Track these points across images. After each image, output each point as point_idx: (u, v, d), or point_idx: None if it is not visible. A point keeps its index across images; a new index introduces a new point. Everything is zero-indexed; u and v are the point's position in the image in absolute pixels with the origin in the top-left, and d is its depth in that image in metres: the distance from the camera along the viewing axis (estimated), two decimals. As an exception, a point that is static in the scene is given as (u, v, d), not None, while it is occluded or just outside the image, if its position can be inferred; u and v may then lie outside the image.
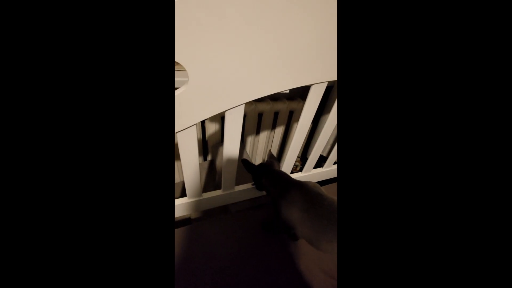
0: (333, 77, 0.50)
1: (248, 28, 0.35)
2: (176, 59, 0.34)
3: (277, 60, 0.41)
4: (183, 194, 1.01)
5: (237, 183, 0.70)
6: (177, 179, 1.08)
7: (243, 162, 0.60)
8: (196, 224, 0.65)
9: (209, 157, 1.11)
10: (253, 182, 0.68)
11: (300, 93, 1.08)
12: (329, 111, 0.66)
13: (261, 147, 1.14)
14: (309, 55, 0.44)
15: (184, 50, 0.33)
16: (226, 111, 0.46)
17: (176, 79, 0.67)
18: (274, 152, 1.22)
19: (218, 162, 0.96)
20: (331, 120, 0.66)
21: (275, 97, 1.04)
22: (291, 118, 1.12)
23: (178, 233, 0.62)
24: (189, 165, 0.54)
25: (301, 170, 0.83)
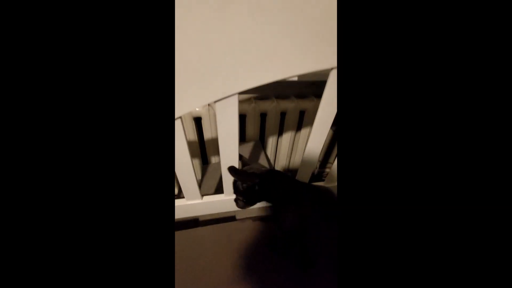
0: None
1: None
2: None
3: (283, 34, 0.31)
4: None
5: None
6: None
7: (231, 171, 0.47)
8: (198, 229, 0.60)
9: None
10: (237, 197, 0.51)
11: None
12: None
13: (284, 150, 1.03)
14: (326, 27, 0.32)
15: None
16: (216, 102, 0.38)
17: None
18: (299, 156, 1.09)
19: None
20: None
21: (283, 95, 0.91)
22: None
23: (180, 235, 0.58)
24: (180, 164, 0.48)
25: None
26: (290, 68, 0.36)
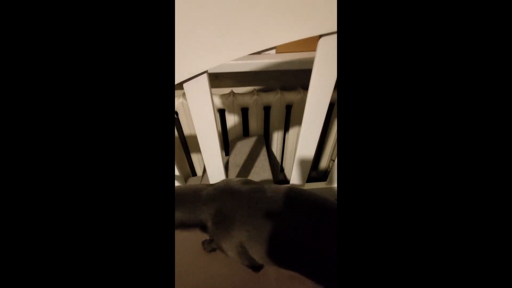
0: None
1: None
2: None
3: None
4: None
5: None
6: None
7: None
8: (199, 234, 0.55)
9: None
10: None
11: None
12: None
13: (292, 146, 0.96)
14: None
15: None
16: (183, 82, 0.34)
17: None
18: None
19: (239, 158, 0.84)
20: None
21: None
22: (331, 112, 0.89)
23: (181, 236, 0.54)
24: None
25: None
26: (273, 37, 0.30)
